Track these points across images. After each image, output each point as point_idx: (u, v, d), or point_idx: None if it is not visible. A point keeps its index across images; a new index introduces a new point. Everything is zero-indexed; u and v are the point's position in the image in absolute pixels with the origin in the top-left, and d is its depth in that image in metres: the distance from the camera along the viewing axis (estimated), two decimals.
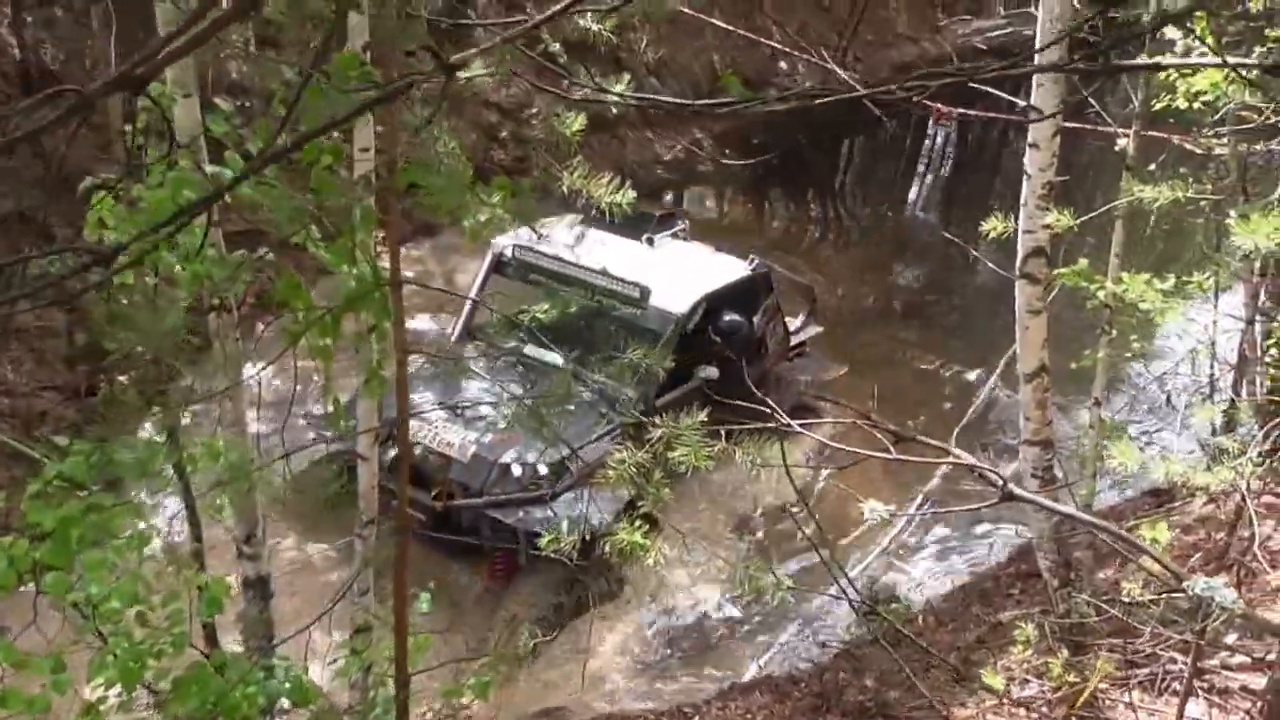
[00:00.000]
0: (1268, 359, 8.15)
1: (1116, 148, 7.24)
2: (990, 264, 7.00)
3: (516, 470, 8.06)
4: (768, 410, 3.65)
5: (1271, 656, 5.73)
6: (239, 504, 4.19)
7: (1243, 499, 5.37)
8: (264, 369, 3.66)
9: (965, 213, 16.28)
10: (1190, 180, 6.62)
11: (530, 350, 8.71)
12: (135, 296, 3.27)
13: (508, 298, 8.38)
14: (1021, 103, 6.88)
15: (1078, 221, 6.12)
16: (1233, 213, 7.03)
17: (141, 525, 3.09)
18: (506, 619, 7.74)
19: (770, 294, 10.14)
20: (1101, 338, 7.16)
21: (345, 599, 4.48)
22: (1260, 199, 7.84)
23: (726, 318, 9.46)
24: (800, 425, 3.39)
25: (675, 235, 10.25)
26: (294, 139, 2.10)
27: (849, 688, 7.30)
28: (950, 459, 3.54)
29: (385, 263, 3.47)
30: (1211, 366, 9.04)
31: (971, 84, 3.04)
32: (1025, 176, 5.95)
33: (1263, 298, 8.27)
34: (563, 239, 8.93)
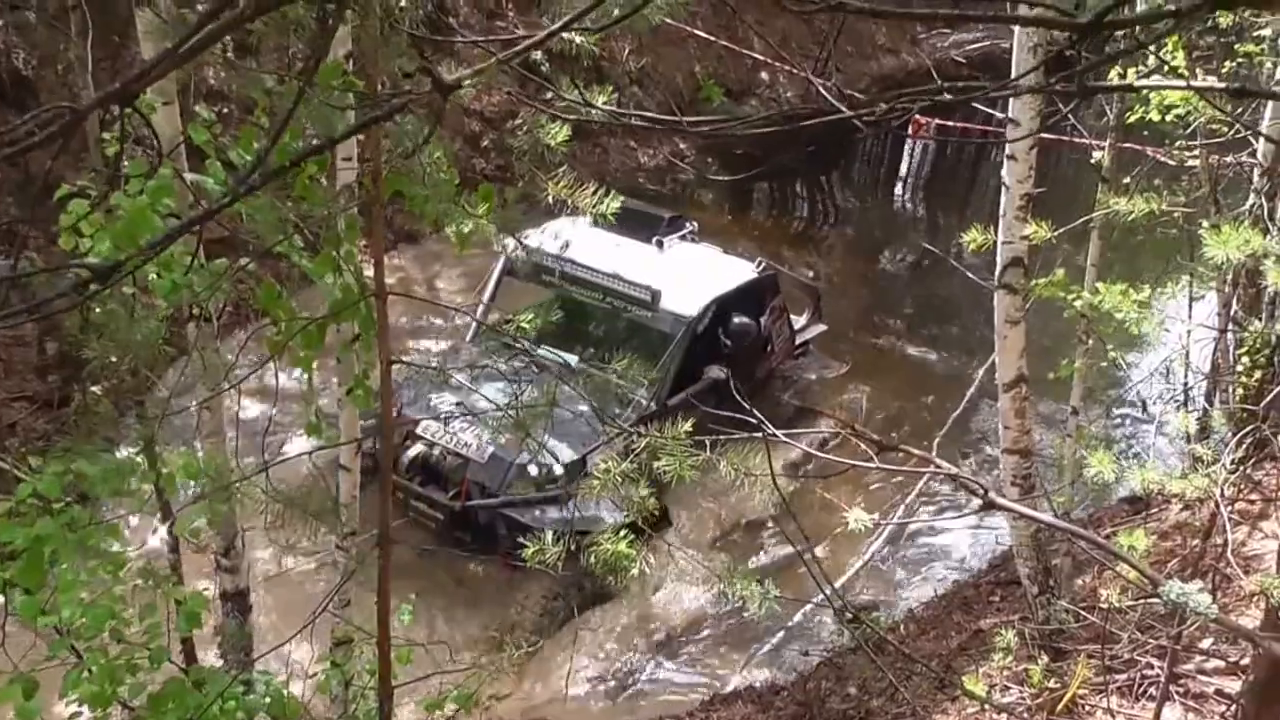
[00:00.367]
0: (1239, 368, 8.21)
1: (1092, 160, 7.30)
2: (969, 274, 7.02)
3: (533, 470, 8.17)
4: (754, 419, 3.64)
5: (1246, 661, 5.77)
6: (218, 517, 4.13)
7: (1216, 506, 5.40)
8: (245, 378, 3.61)
9: (944, 222, 16.37)
10: (1164, 192, 6.68)
11: (544, 351, 8.72)
12: (110, 305, 3.22)
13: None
14: (999, 115, 6.92)
15: (1055, 233, 6.16)
16: (1204, 224, 7.10)
17: (116, 547, 3.03)
18: (518, 612, 7.81)
19: (776, 295, 10.32)
20: (1079, 347, 7.21)
21: (326, 611, 4.43)
22: (1231, 210, 7.92)
23: (736, 320, 9.62)
24: (785, 435, 3.37)
25: (684, 237, 10.40)
26: (290, 158, 2.08)
27: (831, 696, 7.29)
28: (932, 469, 3.54)
29: (368, 272, 3.44)
30: (1186, 375, 9.10)
31: (953, 99, 3.05)
32: (1003, 188, 5.98)
33: (1234, 307, 8.34)
34: (573, 238, 8.85)
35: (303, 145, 2.92)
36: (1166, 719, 5.47)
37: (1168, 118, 7.56)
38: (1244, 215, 7.75)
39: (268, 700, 3.41)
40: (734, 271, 10.07)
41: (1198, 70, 7.34)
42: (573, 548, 4.17)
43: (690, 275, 9.68)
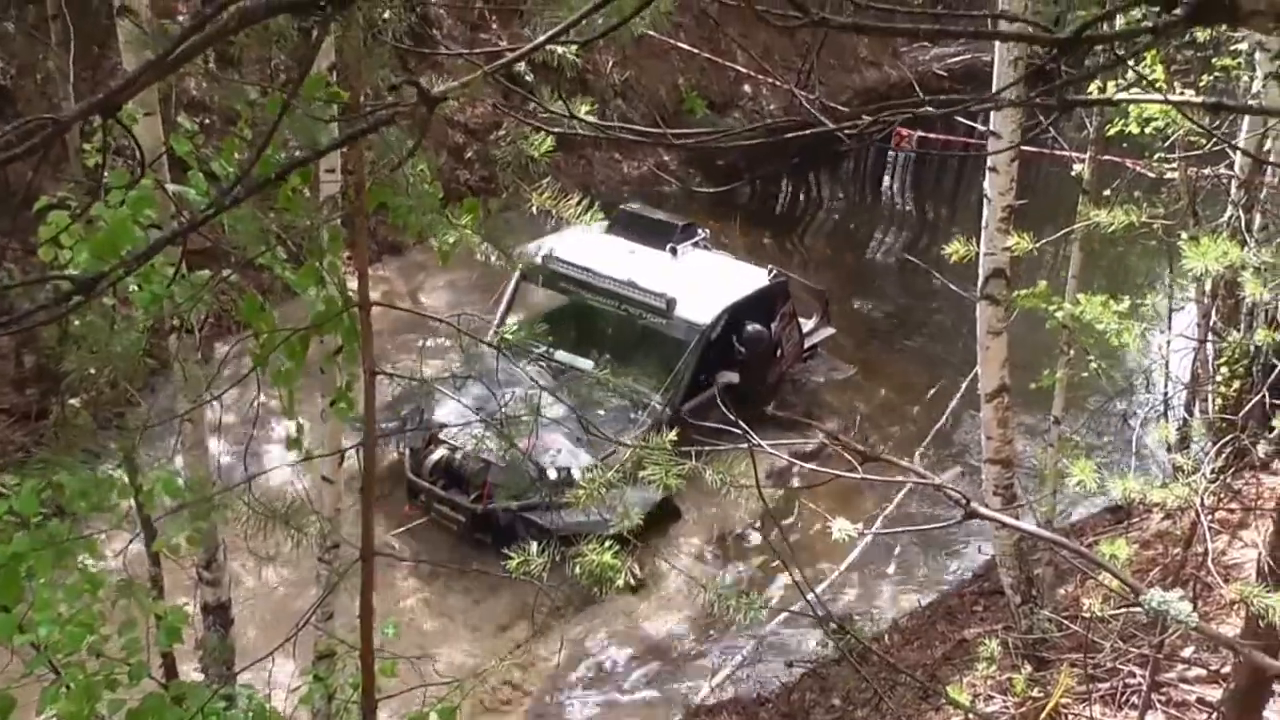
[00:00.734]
0: (1218, 378, 8.27)
1: (1073, 172, 7.36)
2: (953, 285, 7.05)
3: (552, 473, 8.33)
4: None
5: (1227, 669, 5.80)
6: (199, 530, 4.10)
7: (1197, 515, 5.43)
8: (226, 390, 3.59)
9: (927, 233, 16.44)
10: (1143, 204, 6.73)
11: (561, 355, 8.87)
12: (90, 317, 3.20)
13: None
14: (981, 127, 6.97)
15: (1037, 245, 6.20)
16: (1183, 235, 7.16)
17: (94, 563, 3.00)
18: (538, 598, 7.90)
19: (787, 301, 10.55)
20: (1060, 358, 7.24)
21: (309, 625, 4.39)
22: (1210, 222, 8.00)
23: (749, 328, 9.87)
24: (770, 445, 3.37)
25: (697, 244, 10.62)
26: (275, 170, 2.07)
27: (816, 707, 7.29)
28: (915, 478, 3.55)
29: (352, 283, 3.43)
30: (1166, 386, 9.16)
31: (935, 112, 3.08)
32: (985, 200, 6.01)
33: (1213, 318, 8.41)
34: (588, 244, 9.48)
35: (285, 157, 2.91)
36: None
37: (1147, 130, 7.64)
38: (1222, 227, 7.82)
39: (250, 715, 3.38)
40: (746, 279, 10.31)
41: (1176, 84, 7.42)
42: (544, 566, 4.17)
43: (704, 283, 9.89)
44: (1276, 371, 7.41)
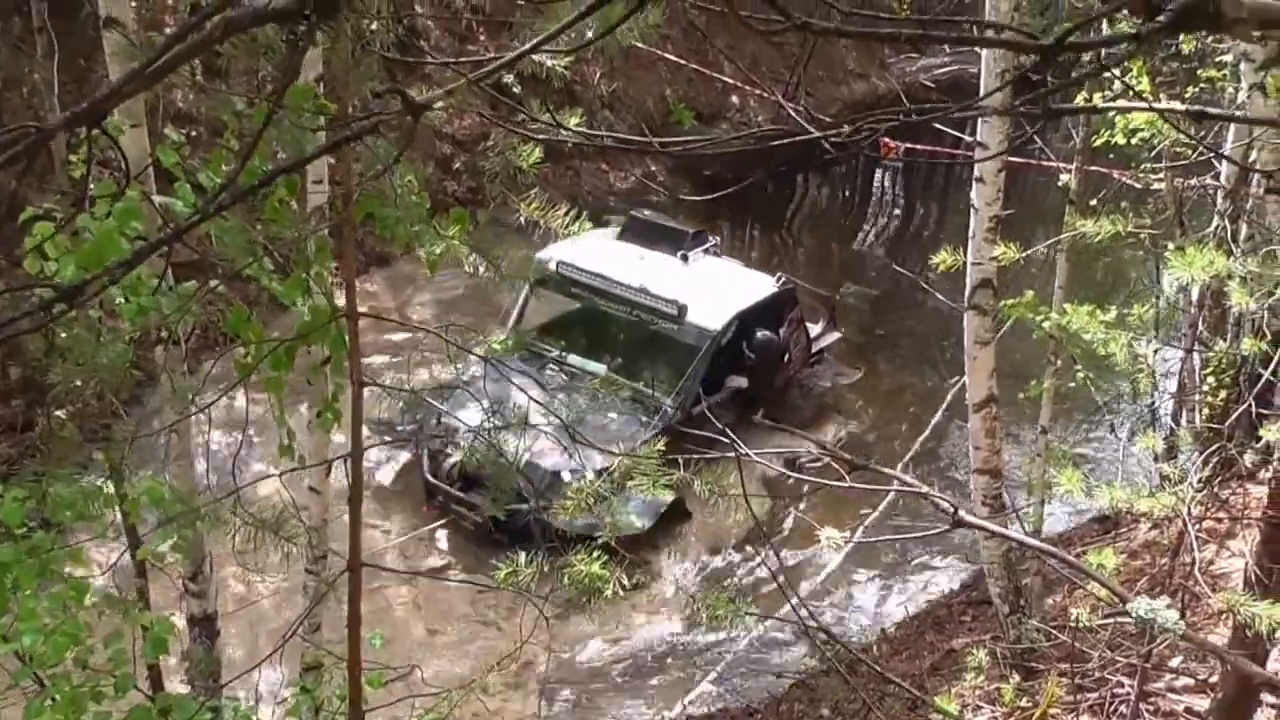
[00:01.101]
0: (1205, 387, 8.31)
1: (1060, 183, 7.40)
2: (940, 295, 7.09)
3: (566, 476, 8.36)
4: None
5: (1214, 678, 5.82)
6: (185, 541, 4.09)
7: (1184, 524, 5.45)
8: (214, 402, 3.59)
9: (914, 244, 16.49)
10: (1130, 214, 6.78)
11: (574, 360, 9.43)
12: (76, 329, 3.19)
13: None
14: (968, 138, 7.02)
15: (1024, 255, 6.24)
16: (1169, 245, 7.20)
17: (80, 572, 2.99)
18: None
19: (795, 307, 10.78)
20: (1048, 368, 7.27)
21: (295, 636, 4.38)
22: (1196, 232, 8.05)
23: (758, 334, 10.11)
24: (757, 454, 3.38)
25: (707, 251, 10.85)
26: (259, 178, 2.07)
27: (805, 718, 7.28)
28: (903, 487, 3.56)
29: (339, 296, 3.43)
30: (1152, 395, 9.20)
31: (919, 119, 3.10)
32: (972, 210, 6.05)
33: (1200, 328, 8.45)
34: (600, 251, 9.80)
35: (272, 167, 2.91)
36: None
37: (1133, 141, 7.69)
38: (1208, 237, 7.87)
39: None
40: (755, 286, 10.59)
41: (1161, 96, 7.47)
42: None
43: (714, 289, 10.13)
44: (1263, 381, 7.46)
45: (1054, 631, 6.35)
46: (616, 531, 4.46)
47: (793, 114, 2.73)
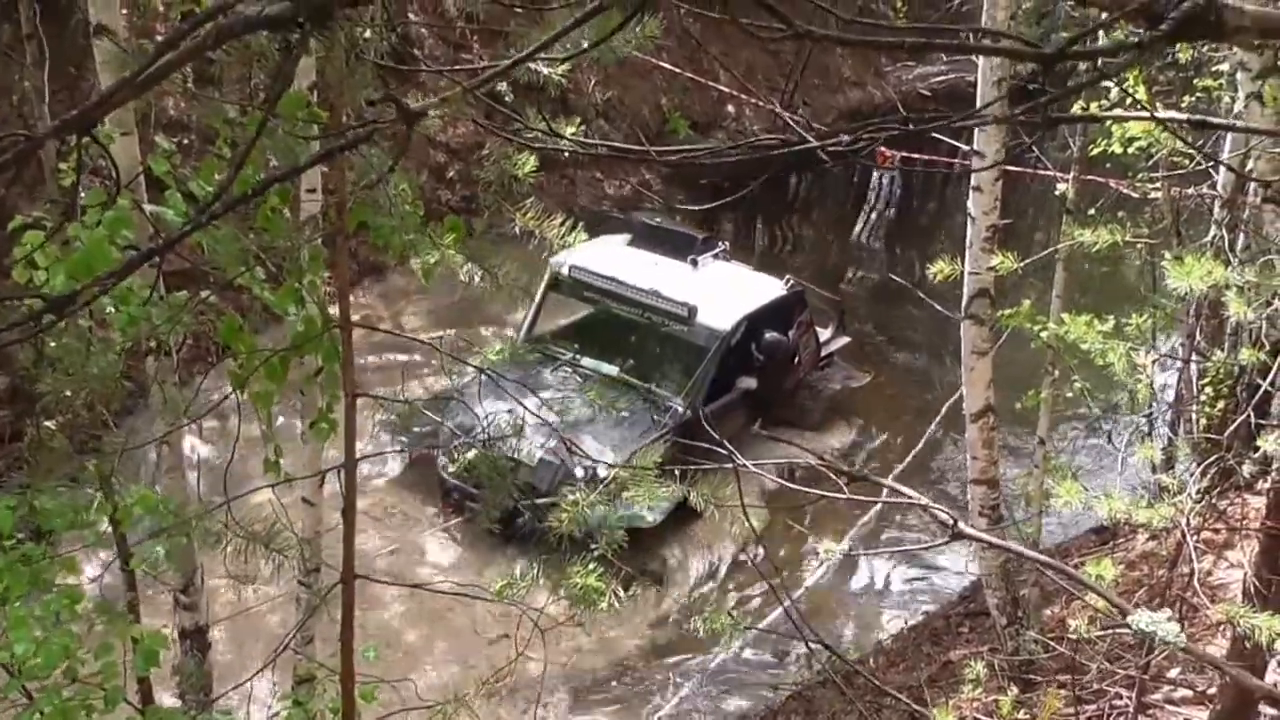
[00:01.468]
0: (1203, 398, 8.31)
1: (1057, 191, 7.40)
2: (936, 305, 7.09)
3: (579, 472, 8.66)
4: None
5: (1213, 690, 5.81)
6: (176, 552, 4.07)
7: (1182, 535, 5.45)
8: (205, 414, 3.57)
9: (910, 253, 16.49)
10: (1127, 223, 6.79)
11: (587, 362, 9.75)
12: (66, 339, 3.17)
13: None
14: (964, 147, 7.03)
15: (1022, 264, 6.24)
16: (1167, 254, 7.21)
17: (72, 580, 2.97)
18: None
19: (804, 310, 11.01)
20: (1045, 378, 7.27)
21: (288, 649, 4.35)
22: (1194, 241, 8.06)
23: (767, 336, 10.35)
24: (754, 465, 3.37)
25: (717, 256, 11.09)
26: (252, 187, 2.06)
27: None
28: (902, 499, 3.55)
29: (332, 305, 3.42)
30: (1150, 406, 9.20)
31: (920, 129, 3.11)
32: (969, 220, 6.06)
33: (1198, 338, 8.46)
34: (612, 256, 10.19)
35: (264, 176, 2.90)
36: None
37: (1130, 150, 7.71)
38: (1206, 246, 7.88)
39: None
40: (764, 289, 10.80)
41: (1158, 105, 7.50)
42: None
43: (724, 292, 10.38)
44: (1261, 391, 7.47)
45: (1052, 643, 6.34)
46: (639, 520, 4.53)
47: (791, 123, 2.73)
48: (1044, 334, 6.70)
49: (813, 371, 11.35)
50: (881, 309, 14.24)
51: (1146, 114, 5.26)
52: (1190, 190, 8.44)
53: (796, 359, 10.90)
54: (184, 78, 6.15)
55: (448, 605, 8.35)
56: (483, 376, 4.16)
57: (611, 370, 9.77)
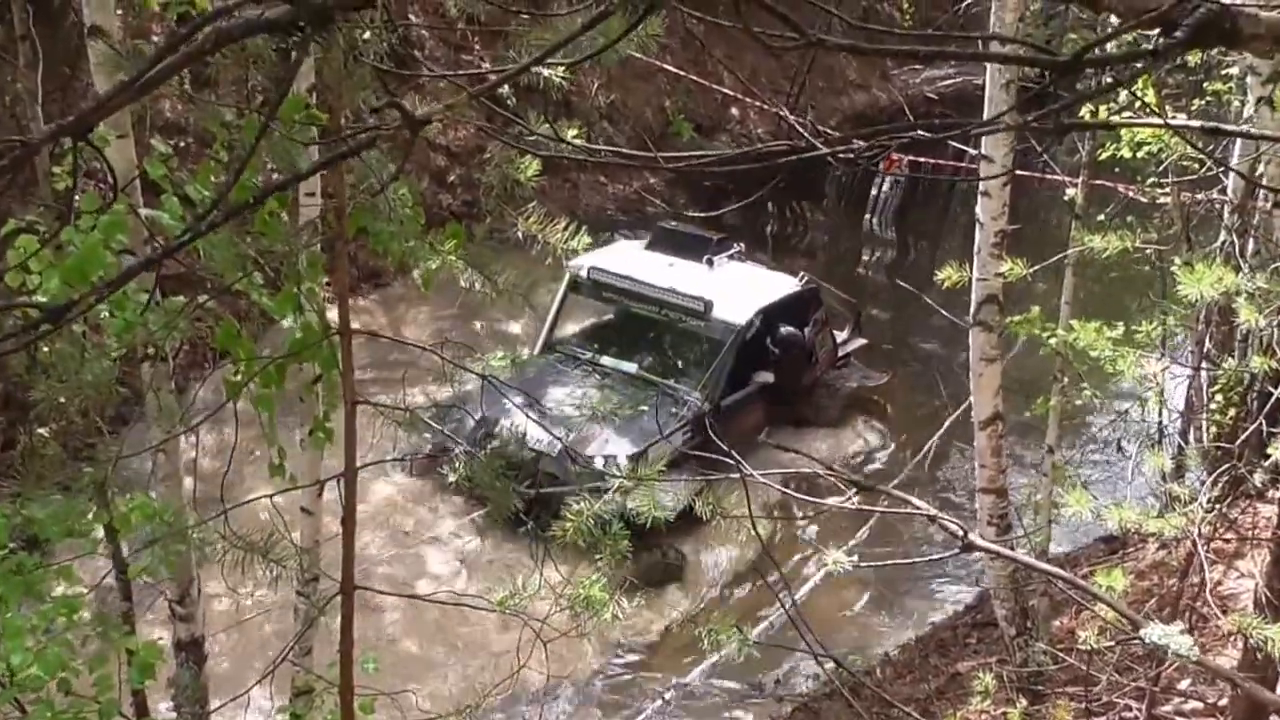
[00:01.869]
0: (1213, 405, 8.29)
1: (1065, 197, 7.38)
2: (943, 310, 7.07)
3: (599, 462, 8.95)
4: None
5: (1224, 702, 5.79)
6: (172, 562, 4.05)
7: (1194, 545, 5.43)
8: (202, 420, 3.55)
9: (916, 257, 16.50)
10: (1137, 229, 6.77)
11: (605, 360, 10.19)
12: (60, 345, 3.16)
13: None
14: (972, 151, 7.02)
15: (1031, 271, 6.22)
16: (1177, 260, 7.19)
17: (68, 590, 2.96)
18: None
19: (819, 308, 11.28)
20: (1054, 385, 7.24)
21: (286, 661, 4.33)
22: (1203, 247, 8.05)
23: (783, 330, 10.64)
24: (762, 475, 3.36)
25: (732, 257, 11.39)
26: (253, 195, 2.05)
27: None
28: (911, 510, 3.53)
29: (331, 311, 3.40)
30: (1160, 413, 9.18)
31: (933, 136, 3.09)
32: (978, 225, 6.04)
33: (1208, 345, 8.44)
34: (629, 259, 10.67)
35: (263, 181, 2.89)
36: None
37: (1139, 154, 7.70)
38: (1216, 252, 7.87)
39: None
40: (779, 285, 11.12)
41: (1168, 108, 7.49)
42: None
43: (739, 288, 10.68)
44: (1272, 399, 7.45)
45: (1061, 654, 6.32)
46: (659, 509, 4.56)
47: (798, 128, 2.72)
48: (1053, 341, 6.67)
49: (830, 370, 11.60)
50: (892, 312, 14.22)
51: (1159, 121, 5.24)
52: (1200, 195, 8.44)
53: (813, 357, 11.13)
54: (181, 80, 6.14)
55: (446, 613, 8.33)
56: (505, 375, 4.19)
57: (630, 368, 10.16)
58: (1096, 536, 9.16)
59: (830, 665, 6.02)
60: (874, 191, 17.51)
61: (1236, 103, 8.66)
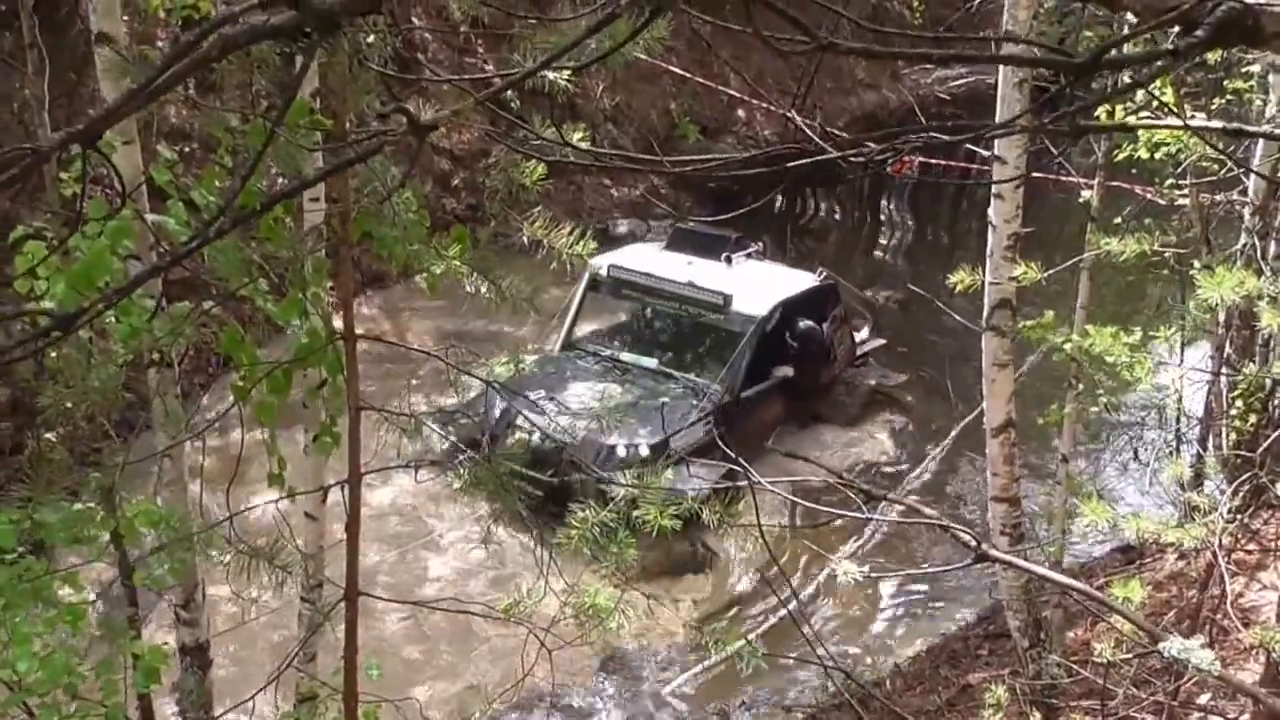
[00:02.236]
0: (1234, 412, 8.29)
1: (1080, 199, 7.38)
2: (957, 315, 7.08)
3: (621, 451, 9.38)
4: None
5: (1245, 718, 5.79)
6: (178, 568, 4.11)
7: (1214, 556, 5.44)
8: (208, 427, 3.61)
9: (928, 261, 16.50)
10: (1155, 231, 6.78)
11: (626, 356, 10.61)
12: (67, 349, 3.22)
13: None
14: (985, 152, 7.04)
15: (1046, 275, 6.23)
16: (1196, 264, 7.20)
17: (74, 596, 3.01)
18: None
19: (837, 304, 11.64)
20: (1068, 391, 7.24)
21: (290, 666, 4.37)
22: (1223, 250, 8.05)
23: (801, 324, 10.94)
24: (770, 483, 3.40)
25: (750, 255, 11.75)
26: (261, 202, 2.10)
27: None
28: (923, 519, 3.57)
29: (336, 316, 3.46)
30: (1178, 420, 9.18)
31: (950, 140, 3.11)
32: (990, 228, 6.06)
33: (1228, 350, 8.44)
34: (649, 259, 11.05)
35: (267, 185, 2.95)
36: None
37: (1156, 155, 7.70)
38: (1236, 255, 7.88)
39: None
40: (798, 280, 11.52)
41: (1187, 107, 7.50)
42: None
43: (758, 283, 11.03)
44: None
45: (1076, 667, 6.32)
46: (683, 496, 4.62)
47: (807, 131, 2.76)
48: (1067, 346, 6.68)
49: (848, 368, 11.88)
50: (907, 315, 14.24)
51: (1180, 123, 5.25)
52: (1220, 197, 8.44)
53: (832, 354, 11.39)
54: (185, 86, 6.22)
55: (451, 615, 8.37)
56: (512, 375, 4.28)
57: (650, 363, 10.55)
58: (1112, 546, 9.16)
59: (839, 676, 6.03)
60: (885, 193, 17.59)
61: (1258, 101, 8.66)
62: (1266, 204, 8.06)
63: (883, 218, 18.01)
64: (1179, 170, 8.04)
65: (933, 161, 14.27)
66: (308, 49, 2.07)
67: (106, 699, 3.14)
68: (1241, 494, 6.28)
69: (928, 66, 18.82)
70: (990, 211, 6.06)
